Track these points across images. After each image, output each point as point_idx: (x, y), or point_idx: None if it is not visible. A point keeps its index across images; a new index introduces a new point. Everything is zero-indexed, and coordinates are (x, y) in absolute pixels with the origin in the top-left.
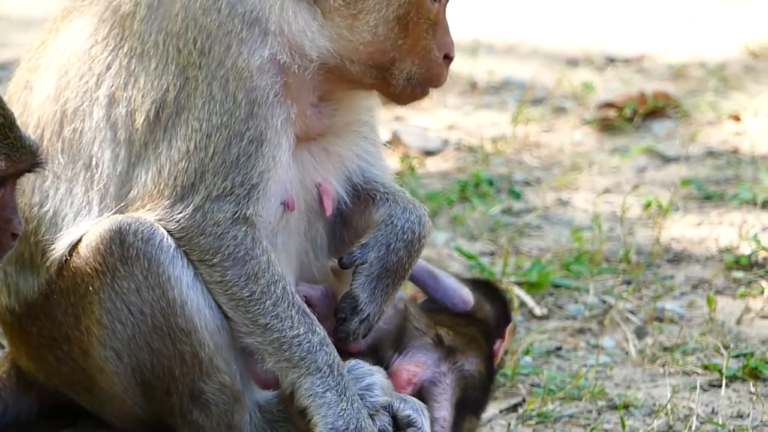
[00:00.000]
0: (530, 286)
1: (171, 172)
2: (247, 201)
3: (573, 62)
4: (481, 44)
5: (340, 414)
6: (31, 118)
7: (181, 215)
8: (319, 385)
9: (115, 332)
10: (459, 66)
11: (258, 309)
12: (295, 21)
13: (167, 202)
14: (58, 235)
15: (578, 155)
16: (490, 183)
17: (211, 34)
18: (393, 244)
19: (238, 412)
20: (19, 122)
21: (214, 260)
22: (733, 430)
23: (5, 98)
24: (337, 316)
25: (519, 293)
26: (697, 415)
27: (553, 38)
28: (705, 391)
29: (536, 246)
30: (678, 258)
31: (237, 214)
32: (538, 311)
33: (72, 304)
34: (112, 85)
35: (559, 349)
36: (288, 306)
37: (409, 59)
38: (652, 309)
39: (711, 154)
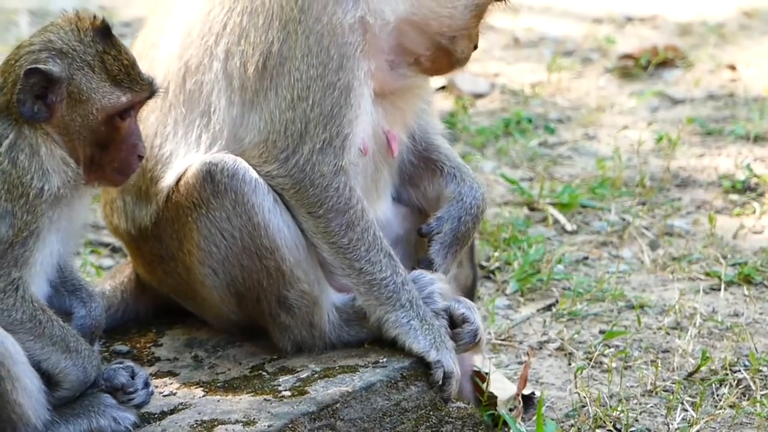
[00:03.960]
0: (562, 206)
1: (281, 121)
2: (342, 151)
3: (598, 20)
4: (522, 5)
5: (425, 334)
6: (158, 72)
7: (294, 169)
8: (403, 317)
9: (211, 253)
10: (503, 23)
11: (354, 255)
12: None
13: (282, 155)
14: (169, 171)
15: (602, 98)
16: (529, 120)
17: None
18: (463, 218)
19: (318, 313)
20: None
21: (320, 212)
22: (731, 326)
23: (135, 53)
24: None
25: (553, 212)
26: (701, 314)
27: (582, 0)
28: (707, 294)
29: (567, 173)
30: (684, 183)
31: (337, 165)
32: (568, 227)
33: (176, 230)
34: (228, 42)
35: (586, 258)
36: (378, 251)
37: (467, 42)
38: (663, 225)
39: (711, 97)
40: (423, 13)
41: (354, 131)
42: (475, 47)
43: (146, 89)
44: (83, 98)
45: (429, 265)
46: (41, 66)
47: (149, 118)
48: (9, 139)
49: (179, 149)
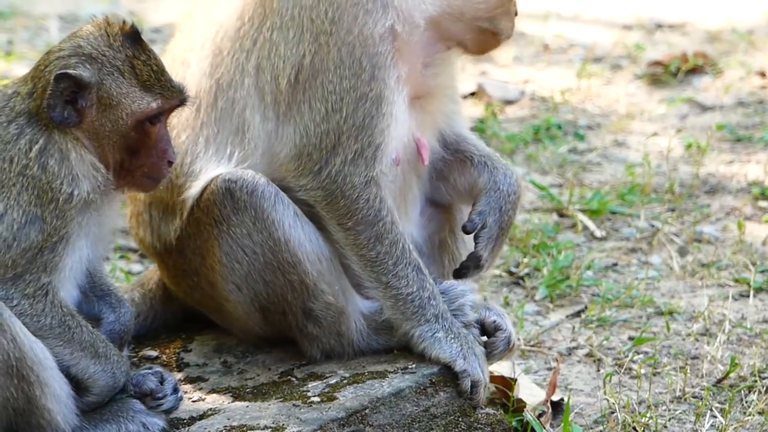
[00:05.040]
0: (591, 213)
1: (316, 134)
2: (374, 162)
3: (627, 27)
4: (552, 13)
5: (451, 343)
6: (189, 91)
7: (326, 180)
8: (427, 331)
9: (233, 270)
10: (533, 30)
11: (381, 268)
12: None
13: (316, 167)
14: (195, 185)
15: (631, 104)
16: (559, 127)
17: (341, 6)
18: (503, 207)
19: (344, 322)
20: None
21: (349, 223)
22: (760, 332)
23: None
24: (460, 271)
25: (582, 218)
26: (729, 320)
27: (611, 7)
28: (736, 300)
29: (597, 179)
30: (714, 190)
31: (368, 176)
32: (598, 233)
33: (198, 246)
34: (258, 57)
35: (615, 265)
36: (405, 265)
37: (507, 17)
38: (692, 232)
39: (741, 103)
40: (456, 5)
41: (386, 141)
42: (516, 14)
43: (176, 96)
44: (113, 103)
45: (477, 262)
46: (71, 71)
47: (180, 137)
48: (39, 144)
49: (209, 165)
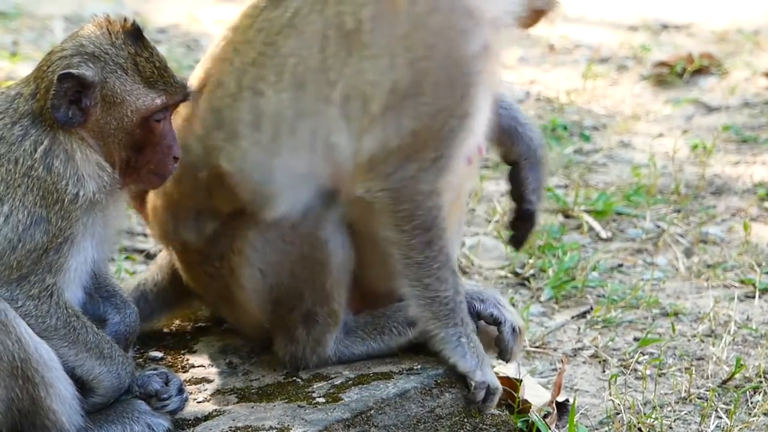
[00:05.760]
0: (597, 214)
1: (397, 143)
2: (446, 171)
3: (633, 28)
4: (557, 14)
5: (472, 352)
6: (265, 118)
7: (398, 183)
8: (453, 335)
9: (265, 254)
10: (538, 31)
11: (425, 271)
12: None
13: (389, 170)
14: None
15: (637, 105)
16: (565, 128)
17: (434, 31)
18: (544, 177)
19: (331, 333)
20: (249, 124)
21: (407, 227)
22: (765, 333)
23: (227, 92)
24: (516, 238)
25: (588, 219)
26: (735, 321)
27: (617, 8)
28: (741, 301)
29: (602, 180)
30: (719, 190)
31: (435, 186)
32: (603, 234)
33: (232, 227)
34: (346, 86)
35: (620, 266)
36: (446, 269)
37: None
38: (698, 233)
39: (747, 104)
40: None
41: (461, 151)
42: None
43: (180, 91)
44: (117, 101)
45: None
46: (74, 71)
47: (245, 158)
48: (44, 145)
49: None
